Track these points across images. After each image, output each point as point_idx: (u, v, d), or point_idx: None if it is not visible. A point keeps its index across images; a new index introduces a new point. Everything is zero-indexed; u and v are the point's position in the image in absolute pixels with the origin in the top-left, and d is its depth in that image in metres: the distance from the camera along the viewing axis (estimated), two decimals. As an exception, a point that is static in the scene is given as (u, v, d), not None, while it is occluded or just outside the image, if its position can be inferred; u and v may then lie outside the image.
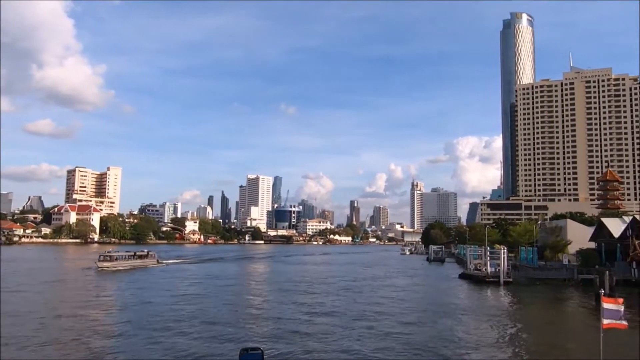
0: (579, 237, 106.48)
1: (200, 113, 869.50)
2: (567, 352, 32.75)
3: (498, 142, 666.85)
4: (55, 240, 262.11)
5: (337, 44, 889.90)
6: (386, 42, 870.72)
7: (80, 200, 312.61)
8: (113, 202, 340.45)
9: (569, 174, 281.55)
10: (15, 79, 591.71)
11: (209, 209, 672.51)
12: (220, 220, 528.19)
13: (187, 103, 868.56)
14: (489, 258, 77.76)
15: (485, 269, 77.24)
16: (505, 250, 75.48)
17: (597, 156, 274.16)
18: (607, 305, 19.02)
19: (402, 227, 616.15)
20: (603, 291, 22.18)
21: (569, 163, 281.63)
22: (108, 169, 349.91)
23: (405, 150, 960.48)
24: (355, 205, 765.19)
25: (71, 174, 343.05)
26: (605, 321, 18.77)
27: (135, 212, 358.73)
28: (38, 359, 28.25)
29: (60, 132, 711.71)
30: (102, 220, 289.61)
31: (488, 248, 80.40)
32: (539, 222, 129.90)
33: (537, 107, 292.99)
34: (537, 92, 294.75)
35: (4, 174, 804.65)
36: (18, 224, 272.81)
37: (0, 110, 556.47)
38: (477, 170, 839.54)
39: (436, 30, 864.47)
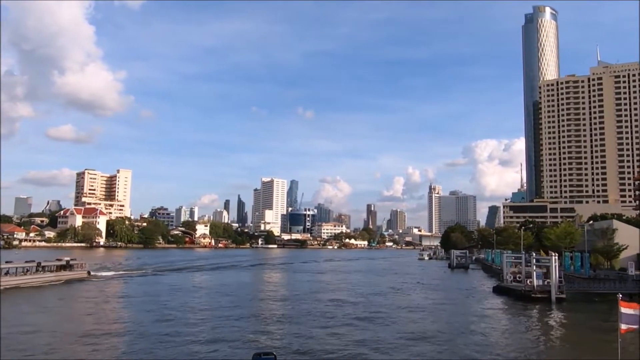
0: (629, 240, 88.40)
1: (219, 117, 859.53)
2: None
3: (518, 144, 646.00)
4: (60, 244, 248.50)
5: (354, 46, 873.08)
6: (403, 44, 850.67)
7: (90, 204, 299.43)
8: (123, 205, 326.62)
9: (597, 174, 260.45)
10: (37, 85, 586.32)
11: (225, 212, 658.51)
12: (236, 225, 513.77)
13: (205, 107, 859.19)
14: (535, 267, 59.40)
15: (530, 282, 59.13)
16: (557, 258, 57.18)
17: (628, 155, 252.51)
18: (625, 310, 18.83)
19: (419, 230, 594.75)
20: (621, 295, 20.42)
21: (597, 163, 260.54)
22: (118, 171, 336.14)
23: (423, 154, 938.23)
24: (372, 209, 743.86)
25: (80, 176, 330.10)
26: (623, 326, 18.72)
27: (146, 216, 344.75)
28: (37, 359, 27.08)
29: (81, 137, 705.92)
30: (109, 224, 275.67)
31: (534, 254, 61.87)
32: (582, 224, 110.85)
33: (562, 104, 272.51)
34: (562, 89, 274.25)
35: (26, 179, 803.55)
36: (22, 227, 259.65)
37: (1, 114, 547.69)
38: (497, 173, 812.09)
39: (454, 32, 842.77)
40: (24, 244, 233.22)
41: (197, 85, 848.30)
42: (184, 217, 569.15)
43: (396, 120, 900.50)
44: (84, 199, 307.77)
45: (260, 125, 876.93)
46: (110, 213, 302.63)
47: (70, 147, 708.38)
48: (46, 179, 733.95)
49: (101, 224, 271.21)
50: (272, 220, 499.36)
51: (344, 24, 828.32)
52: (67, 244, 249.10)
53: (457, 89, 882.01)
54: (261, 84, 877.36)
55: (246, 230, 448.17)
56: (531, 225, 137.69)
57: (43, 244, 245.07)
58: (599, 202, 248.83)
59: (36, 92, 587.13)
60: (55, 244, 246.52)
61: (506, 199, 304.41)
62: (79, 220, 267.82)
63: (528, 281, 59.34)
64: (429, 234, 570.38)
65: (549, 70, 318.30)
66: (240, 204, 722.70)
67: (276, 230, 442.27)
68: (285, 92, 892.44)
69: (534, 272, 58.72)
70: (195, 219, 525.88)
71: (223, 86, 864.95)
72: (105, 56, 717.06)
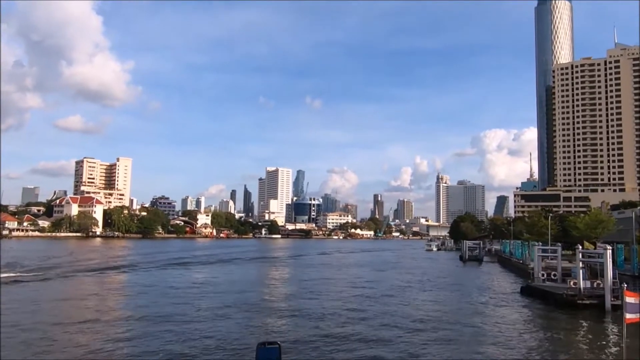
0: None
1: (227, 108, 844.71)
2: None
3: (528, 134, 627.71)
4: (54, 234, 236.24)
5: (363, 37, 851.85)
6: (413, 34, 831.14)
7: (89, 192, 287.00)
8: (123, 195, 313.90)
9: (613, 161, 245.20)
10: (46, 76, 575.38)
11: (231, 203, 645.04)
12: (242, 214, 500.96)
13: (214, 98, 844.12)
14: (581, 264, 44.38)
15: (574, 283, 44.30)
16: (610, 252, 42.21)
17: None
18: (630, 299, 18.39)
19: (427, 221, 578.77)
20: (626, 285, 20.06)
21: (613, 149, 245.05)
22: (117, 160, 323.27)
23: (431, 144, 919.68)
24: (379, 199, 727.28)
25: (79, 165, 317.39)
26: (628, 315, 18.23)
27: (147, 205, 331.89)
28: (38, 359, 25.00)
29: (90, 128, 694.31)
30: (106, 213, 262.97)
31: (579, 247, 46.94)
32: (609, 212, 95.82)
33: (577, 89, 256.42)
34: (577, 72, 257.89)
35: (35, 170, 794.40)
36: (16, 217, 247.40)
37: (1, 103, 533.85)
38: (505, 163, 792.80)
39: (465, 21, 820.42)
40: (15, 233, 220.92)
41: (205, 76, 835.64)
42: (190, 207, 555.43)
43: (404, 111, 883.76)
44: (82, 188, 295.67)
45: (269, 116, 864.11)
46: (110, 202, 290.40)
47: (79, 138, 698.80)
48: (55, 169, 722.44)
49: (98, 213, 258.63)
50: (277, 210, 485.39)
51: (354, 14, 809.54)
52: (62, 234, 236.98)
53: (466, 79, 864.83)
54: (270, 75, 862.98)
55: (250, 220, 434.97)
56: (557, 213, 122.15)
57: (36, 233, 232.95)
58: (614, 190, 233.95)
59: (45, 83, 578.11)
60: (49, 234, 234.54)
61: (517, 188, 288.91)
62: (74, 210, 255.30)
63: (572, 282, 44.42)
64: (437, 224, 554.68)
65: (563, 54, 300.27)
66: (247, 194, 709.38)
67: (281, 220, 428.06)
68: (294, 82, 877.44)
69: (580, 271, 43.71)
70: (202, 209, 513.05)
71: (231, 77, 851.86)
72: (113, 47, 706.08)
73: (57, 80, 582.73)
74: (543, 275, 52.10)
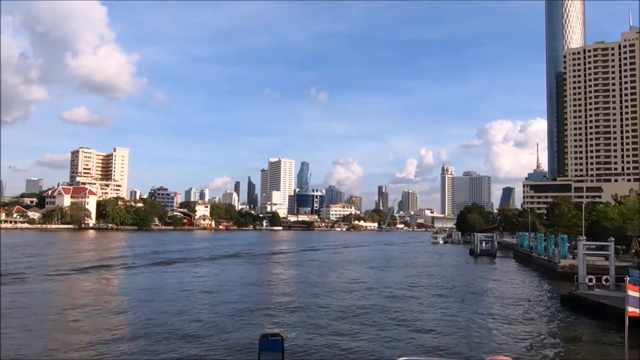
0: None
1: (232, 100, 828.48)
2: None
3: (534, 125, 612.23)
4: (45, 225, 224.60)
5: (368, 27, 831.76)
6: (417, 24, 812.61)
7: (84, 183, 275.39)
8: (120, 186, 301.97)
9: (627, 150, 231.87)
10: (51, 68, 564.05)
11: (234, 194, 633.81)
12: (246, 206, 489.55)
13: (219, 90, 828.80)
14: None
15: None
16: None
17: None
18: (632, 292, 17.74)
19: (432, 212, 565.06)
20: (629, 278, 18.47)
21: (627, 137, 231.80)
22: (114, 150, 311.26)
23: (437, 135, 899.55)
24: (384, 191, 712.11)
25: (75, 155, 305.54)
26: (630, 309, 17.59)
27: (145, 197, 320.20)
28: (39, 358, 24.19)
29: (96, 120, 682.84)
30: (100, 204, 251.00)
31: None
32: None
33: (589, 74, 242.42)
34: (589, 57, 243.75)
35: (41, 162, 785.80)
36: (5, 208, 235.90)
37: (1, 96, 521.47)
38: (511, 155, 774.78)
39: (470, 10, 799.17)
40: (3, 225, 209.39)
41: (210, 67, 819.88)
42: (194, 199, 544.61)
43: (411, 102, 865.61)
44: (78, 179, 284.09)
45: (274, 107, 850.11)
46: (107, 193, 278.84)
47: (84, 130, 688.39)
48: (61, 161, 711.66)
49: (91, 204, 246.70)
50: (280, 202, 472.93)
51: (358, 4, 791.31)
52: (53, 226, 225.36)
53: (473, 69, 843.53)
54: (274, 67, 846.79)
55: (252, 212, 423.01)
56: (590, 203, 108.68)
57: (26, 225, 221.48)
58: (629, 180, 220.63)
59: (50, 75, 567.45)
60: (39, 226, 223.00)
61: (526, 178, 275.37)
62: (67, 201, 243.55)
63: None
64: (442, 215, 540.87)
65: (575, 39, 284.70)
66: (251, 186, 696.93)
67: (283, 212, 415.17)
68: (298, 74, 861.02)
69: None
70: (206, 201, 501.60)
71: (236, 69, 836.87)
72: (118, 38, 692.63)
73: (62, 72, 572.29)
74: (591, 280, 38.85)
